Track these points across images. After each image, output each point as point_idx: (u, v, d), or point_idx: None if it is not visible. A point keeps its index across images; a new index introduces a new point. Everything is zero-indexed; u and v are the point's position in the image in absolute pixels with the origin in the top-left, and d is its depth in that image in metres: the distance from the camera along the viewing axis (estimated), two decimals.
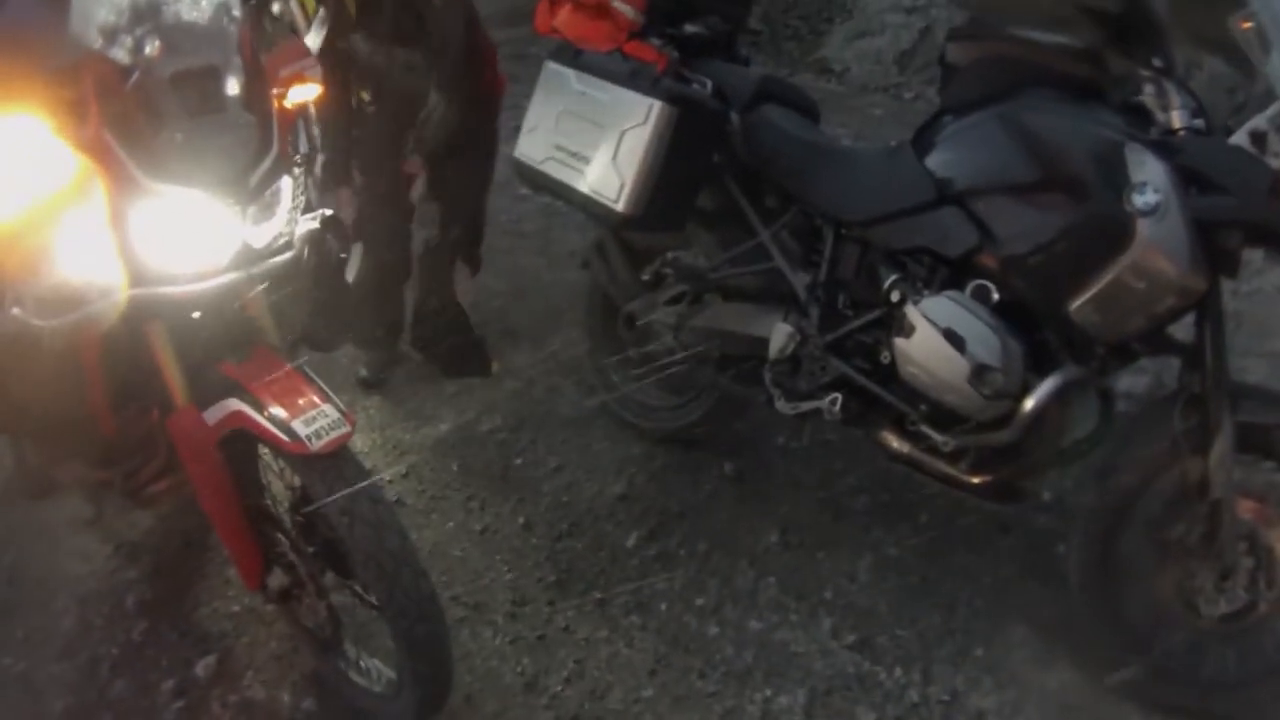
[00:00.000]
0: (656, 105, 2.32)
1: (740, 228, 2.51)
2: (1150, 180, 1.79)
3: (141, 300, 1.70)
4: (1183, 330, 1.99)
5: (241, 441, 1.87)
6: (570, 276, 3.61)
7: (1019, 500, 2.23)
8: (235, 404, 1.80)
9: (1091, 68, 1.97)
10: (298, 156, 1.91)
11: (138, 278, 1.69)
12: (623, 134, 2.36)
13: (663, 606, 2.42)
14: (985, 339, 1.99)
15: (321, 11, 2.81)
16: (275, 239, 1.84)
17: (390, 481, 2.83)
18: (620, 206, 2.36)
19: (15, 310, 1.69)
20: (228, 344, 1.90)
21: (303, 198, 1.90)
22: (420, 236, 3.15)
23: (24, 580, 2.54)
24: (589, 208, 2.47)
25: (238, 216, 1.75)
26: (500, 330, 3.54)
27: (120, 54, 1.66)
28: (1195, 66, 4.11)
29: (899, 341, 2.12)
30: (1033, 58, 2.05)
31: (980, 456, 2.15)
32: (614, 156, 2.38)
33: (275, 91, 1.91)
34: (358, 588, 1.98)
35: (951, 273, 2.11)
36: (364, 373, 3.28)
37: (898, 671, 2.23)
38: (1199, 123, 1.86)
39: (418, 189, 2.97)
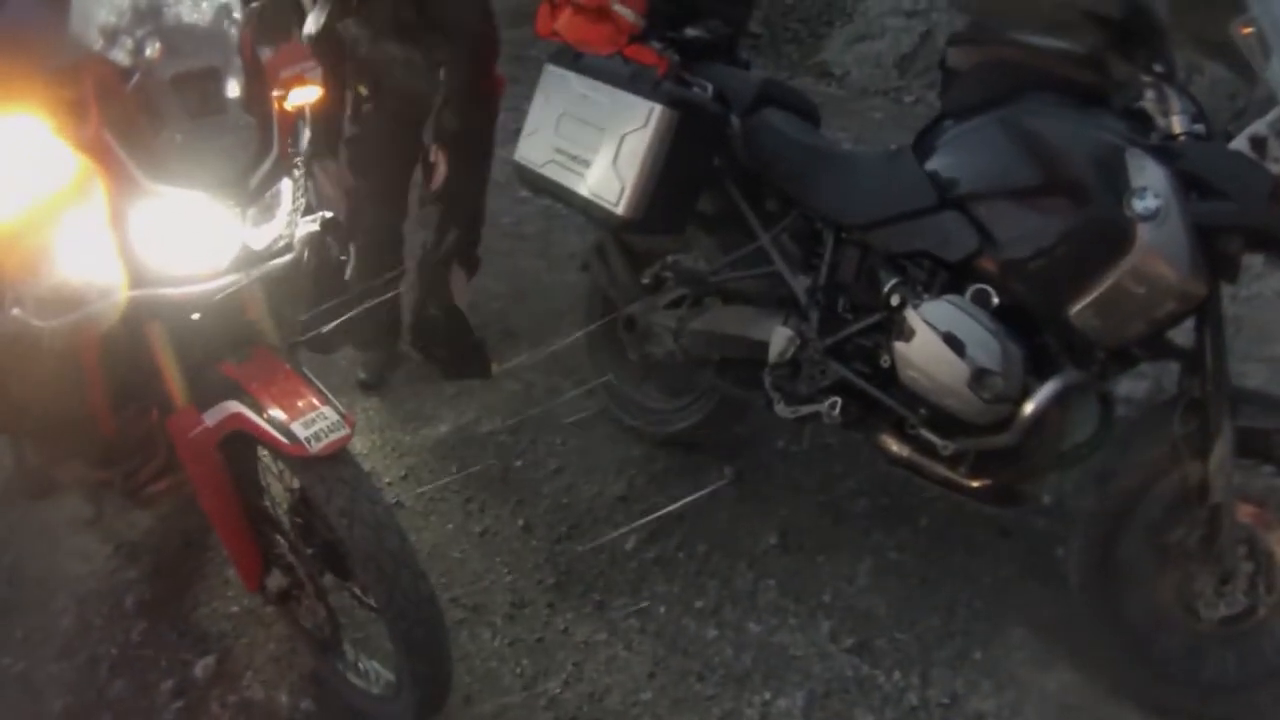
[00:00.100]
0: (657, 109, 2.32)
1: (740, 231, 2.51)
2: (1151, 185, 1.80)
3: (141, 301, 1.70)
4: (1183, 335, 1.99)
5: (241, 443, 1.87)
6: (570, 279, 3.62)
7: (1019, 504, 2.23)
8: (235, 406, 1.80)
9: (1092, 73, 1.97)
10: (298, 159, 1.91)
11: (137, 279, 1.69)
12: (623, 137, 2.36)
13: (662, 609, 2.42)
14: (985, 343, 1.99)
15: None
16: (275, 241, 1.84)
17: (389, 483, 2.83)
18: (620, 210, 2.37)
19: (15, 311, 1.69)
20: (228, 345, 1.89)
21: (303, 200, 1.90)
22: (416, 239, 3.14)
23: (23, 580, 2.53)
24: (589, 211, 2.47)
25: (238, 218, 1.75)
26: (500, 332, 3.53)
27: (121, 55, 1.66)
28: (1196, 71, 4.13)
29: (899, 345, 2.12)
30: (1033, 62, 2.05)
31: (980, 460, 2.15)
32: (614, 160, 2.38)
33: (276, 94, 1.91)
34: (357, 589, 1.98)
35: (952, 277, 2.11)
36: (363, 374, 3.27)
37: (897, 674, 2.23)
38: (1199, 128, 1.86)
39: (438, 176, 2.90)
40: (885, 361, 2.21)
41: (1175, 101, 1.86)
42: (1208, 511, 1.94)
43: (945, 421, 2.14)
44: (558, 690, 2.21)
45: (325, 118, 2.74)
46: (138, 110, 1.68)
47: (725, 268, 2.56)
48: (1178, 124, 1.85)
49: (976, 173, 2.07)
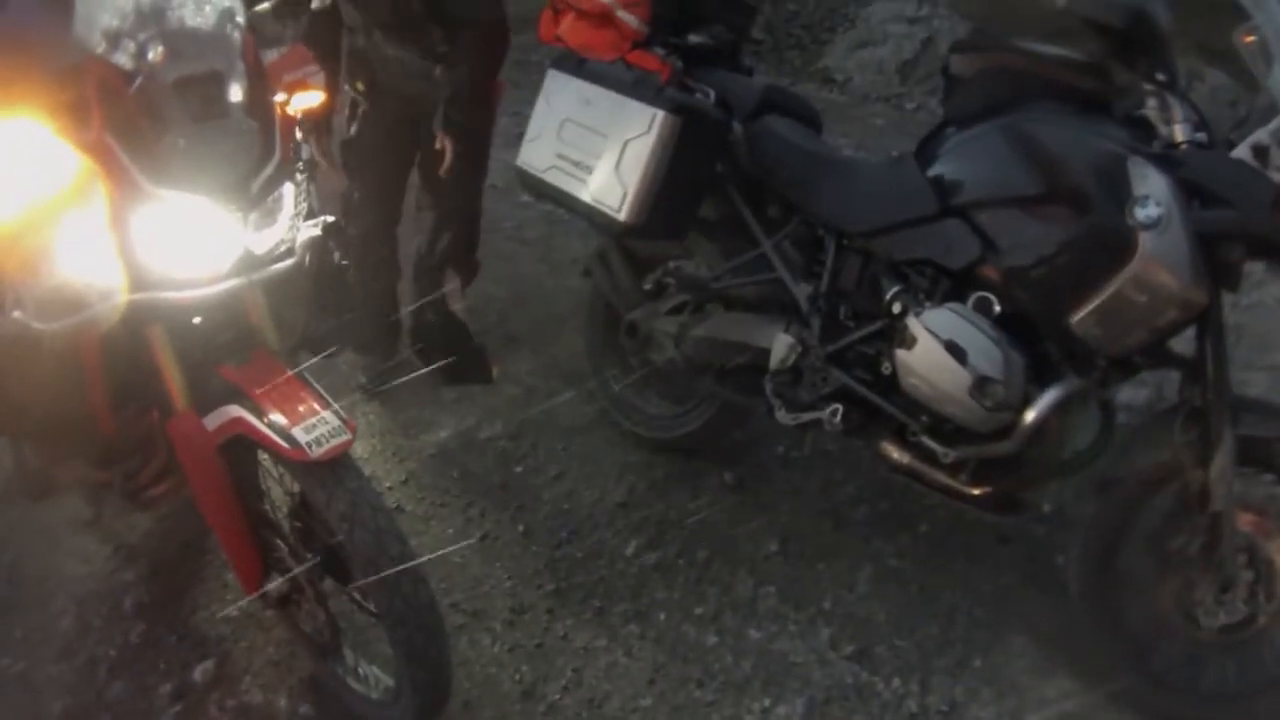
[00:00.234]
0: (660, 115, 2.32)
1: (742, 238, 2.51)
2: (1152, 193, 1.80)
3: (142, 304, 1.70)
4: (1184, 343, 1.99)
5: (241, 446, 1.87)
6: (572, 284, 3.62)
7: (1019, 511, 2.23)
8: (235, 410, 1.80)
9: (1095, 80, 1.98)
10: (300, 163, 1.91)
11: (138, 282, 1.69)
12: (626, 143, 2.36)
13: (661, 615, 2.41)
14: (987, 351, 1.99)
15: None
16: (277, 245, 1.83)
17: (390, 488, 2.83)
18: (623, 215, 2.37)
19: (16, 313, 1.69)
20: (228, 349, 1.89)
21: (304, 204, 1.90)
22: (412, 244, 3.13)
23: (23, 580, 2.53)
24: (591, 216, 2.47)
25: (239, 222, 1.75)
26: (501, 337, 3.53)
27: (124, 58, 1.66)
28: (1197, 79, 4.13)
29: (900, 353, 2.12)
30: (1036, 70, 2.06)
31: (981, 468, 2.15)
32: (617, 165, 2.38)
33: (278, 98, 1.91)
34: (356, 594, 1.98)
35: (953, 284, 2.11)
36: (364, 379, 3.27)
37: (896, 682, 2.23)
38: (1201, 136, 1.86)
39: (447, 163, 2.86)
40: (887, 369, 2.21)
41: (1177, 109, 1.86)
42: (1208, 520, 1.94)
43: (946, 429, 2.14)
44: (557, 696, 2.21)
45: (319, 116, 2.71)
46: (140, 113, 1.68)
47: (727, 274, 2.56)
48: (1180, 132, 1.85)
49: (978, 180, 2.07)
